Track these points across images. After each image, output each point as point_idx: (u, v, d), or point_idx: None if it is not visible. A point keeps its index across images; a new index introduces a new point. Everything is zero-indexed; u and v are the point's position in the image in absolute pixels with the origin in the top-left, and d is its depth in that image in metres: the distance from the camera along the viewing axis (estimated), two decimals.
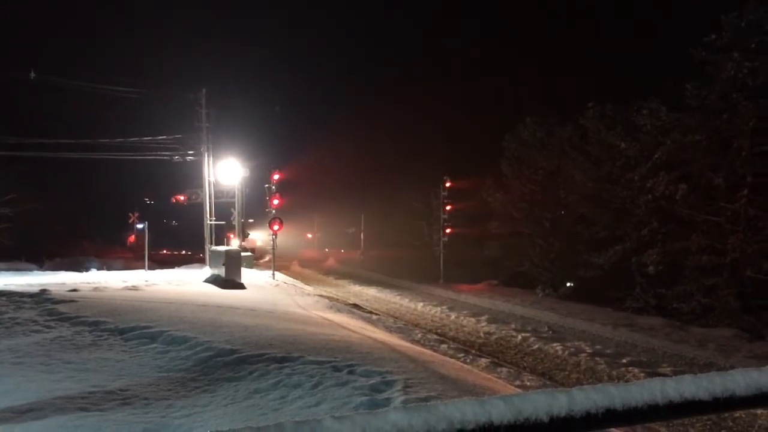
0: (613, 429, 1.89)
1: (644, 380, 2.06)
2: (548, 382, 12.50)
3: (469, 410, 1.66)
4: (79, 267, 30.72)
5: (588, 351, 14.87)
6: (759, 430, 9.38)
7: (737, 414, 9.77)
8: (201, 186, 28.48)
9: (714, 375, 2.08)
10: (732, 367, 2.31)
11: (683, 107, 19.03)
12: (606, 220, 22.95)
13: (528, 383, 12.20)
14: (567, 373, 13.28)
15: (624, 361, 13.92)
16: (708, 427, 9.49)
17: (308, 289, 25.11)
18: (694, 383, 2.01)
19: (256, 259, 41.37)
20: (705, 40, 18.03)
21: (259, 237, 49.26)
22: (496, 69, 53.45)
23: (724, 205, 18.43)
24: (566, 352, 14.80)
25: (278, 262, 28.33)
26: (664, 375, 13.13)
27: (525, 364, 13.94)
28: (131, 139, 27.59)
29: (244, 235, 29.36)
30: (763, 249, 17.41)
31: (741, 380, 2.10)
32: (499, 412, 1.70)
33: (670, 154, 19.53)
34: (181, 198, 34.53)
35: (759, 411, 9.85)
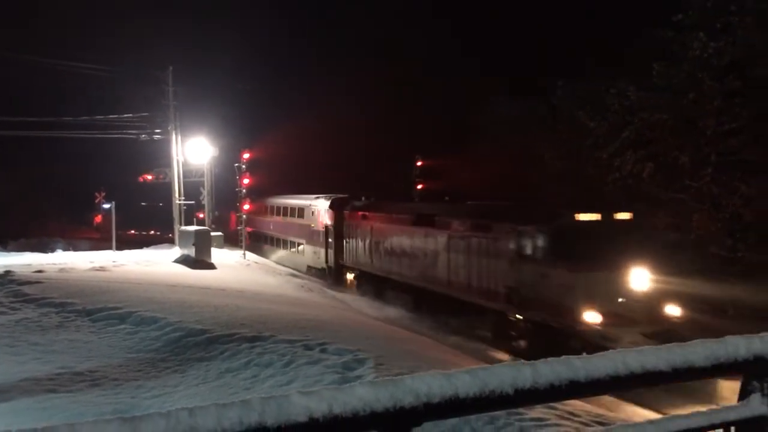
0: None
1: (607, 352, 2.11)
2: (516, 357, 12.72)
3: (435, 383, 1.68)
4: (44, 248, 30.12)
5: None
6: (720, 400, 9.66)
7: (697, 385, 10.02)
8: (169, 165, 28.03)
9: (674, 346, 2.14)
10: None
11: (651, 87, 19.25)
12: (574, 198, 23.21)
13: (498, 358, 12.41)
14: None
15: None
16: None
17: (279, 268, 25.03)
18: (654, 354, 2.06)
19: None
20: (673, 19, 18.22)
21: None
22: (468, 47, 53.25)
23: (689, 183, 18.77)
24: None
25: None
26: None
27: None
28: (97, 117, 26.94)
29: None
30: (726, 226, 17.82)
31: (701, 351, 2.16)
32: (465, 384, 1.73)
33: (638, 132, 19.80)
34: (149, 177, 33.86)
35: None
